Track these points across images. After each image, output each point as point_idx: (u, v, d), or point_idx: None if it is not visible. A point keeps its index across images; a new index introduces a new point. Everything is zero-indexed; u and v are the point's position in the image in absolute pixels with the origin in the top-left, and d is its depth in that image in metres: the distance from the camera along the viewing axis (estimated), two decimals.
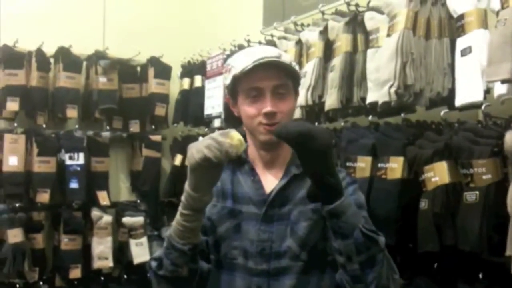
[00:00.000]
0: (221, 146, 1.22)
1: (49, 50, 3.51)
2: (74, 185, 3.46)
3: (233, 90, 1.47)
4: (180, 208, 1.31)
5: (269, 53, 1.41)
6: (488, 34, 1.75)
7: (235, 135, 1.24)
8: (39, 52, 3.45)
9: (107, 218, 3.59)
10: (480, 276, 1.78)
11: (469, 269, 1.82)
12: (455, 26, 1.90)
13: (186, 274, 1.35)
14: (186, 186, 1.29)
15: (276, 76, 1.41)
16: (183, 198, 1.30)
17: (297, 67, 1.47)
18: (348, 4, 2.38)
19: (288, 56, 1.48)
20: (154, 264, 1.38)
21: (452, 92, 1.89)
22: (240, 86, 1.44)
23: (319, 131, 1.24)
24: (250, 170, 1.50)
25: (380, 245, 1.30)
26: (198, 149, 1.23)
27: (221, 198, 1.49)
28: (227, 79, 1.47)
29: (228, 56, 3.11)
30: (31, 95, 3.41)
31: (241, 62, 1.41)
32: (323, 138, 1.23)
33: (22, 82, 3.39)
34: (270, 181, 1.48)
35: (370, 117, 2.22)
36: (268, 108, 1.39)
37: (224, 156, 1.22)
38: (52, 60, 3.55)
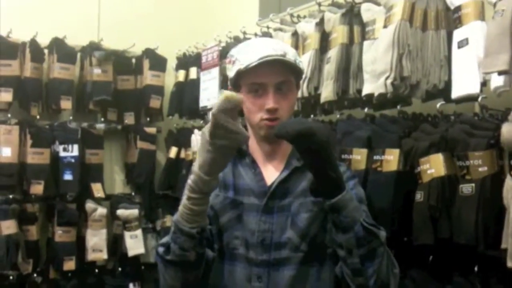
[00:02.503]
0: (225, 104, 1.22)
1: (43, 40, 3.49)
2: (68, 177, 3.45)
3: (236, 83, 1.49)
4: (187, 193, 1.31)
5: (275, 50, 1.41)
6: (485, 26, 1.74)
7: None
8: (33, 43, 3.43)
9: (102, 210, 3.58)
10: (476, 269, 1.78)
11: (465, 262, 1.81)
12: (452, 18, 1.89)
13: (194, 258, 1.35)
14: (197, 170, 1.29)
15: (280, 73, 1.42)
16: (190, 182, 1.30)
17: (301, 64, 1.48)
18: None
19: (293, 52, 1.48)
20: (161, 249, 1.39)
21: (448, 84, 1.87)
22: (243, 80, 1.45)
23: (318, 128, 1.24)
24: (251, 163, 1.51)
25: (380, 239, 1.31)
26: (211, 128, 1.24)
27: (223, 189, 1.50)
28: (231, 71, 1.48)
29: (224, 48, 3.09)
30: (25, 86, 3.40)
31: (246, 57, 1.42)
32: (322, 135, 1.23)
33: (16, 72, 3.37)
34: (271, 173, 1.49)
35: (366, 109, 2.20)
36: (270, 104, 1.41)
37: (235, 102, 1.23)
38: (46, 51, 3.52)
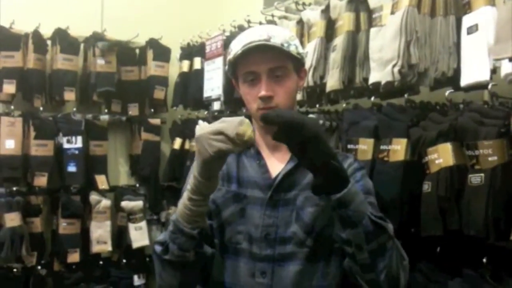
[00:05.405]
0: (233, 142, 1.19)
1: (46, 31, 3.46)
2: (72, 168, 3.44)
3: (233, 74, 1.47)
4: (188, 194, 1.28)
5: (259, 36, 1.36)
6: (496, 11, 1.69)
7: (247, 130, 1.20)
8: (36, 34, 3.40)
9: (106, 202, 3.56)
10: (485, 260, 1.75)
11: (474, 254, 1.78)
12: (461, 3, 1.85)
13: (193, 259, 1.32)
14: (196, 174, 1.26)
15: (271, 59, 1.37)
16: (191, 183, 1.28)
17: (292, 47, 1.40)
18: None
19: (283, 35, 1.40)
20: (159, 248, 1.35)
21: (457, 72, 1.83)
22: (238, 71, 1.43)
23: (308, 120, 1.19)
24: (256, 154, 1.48)
25: (389, 232, 1.27)
26: (211, 143, 1.20)
27: (226, 182, 1.47)
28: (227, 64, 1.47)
29: (228, 37, 3.06)
30: (28, 78, 3.37)
31: (234, 47, 1.40)
32: (313, 126, 1.18)
33: (19, 64, 3.35)
34: (276, 165, 1.45)
35: (372, 98, 2.16)
36: (262, 92, 1.37)
37: (236, 150, 1.21)
38: (49, 42, 3.49)
